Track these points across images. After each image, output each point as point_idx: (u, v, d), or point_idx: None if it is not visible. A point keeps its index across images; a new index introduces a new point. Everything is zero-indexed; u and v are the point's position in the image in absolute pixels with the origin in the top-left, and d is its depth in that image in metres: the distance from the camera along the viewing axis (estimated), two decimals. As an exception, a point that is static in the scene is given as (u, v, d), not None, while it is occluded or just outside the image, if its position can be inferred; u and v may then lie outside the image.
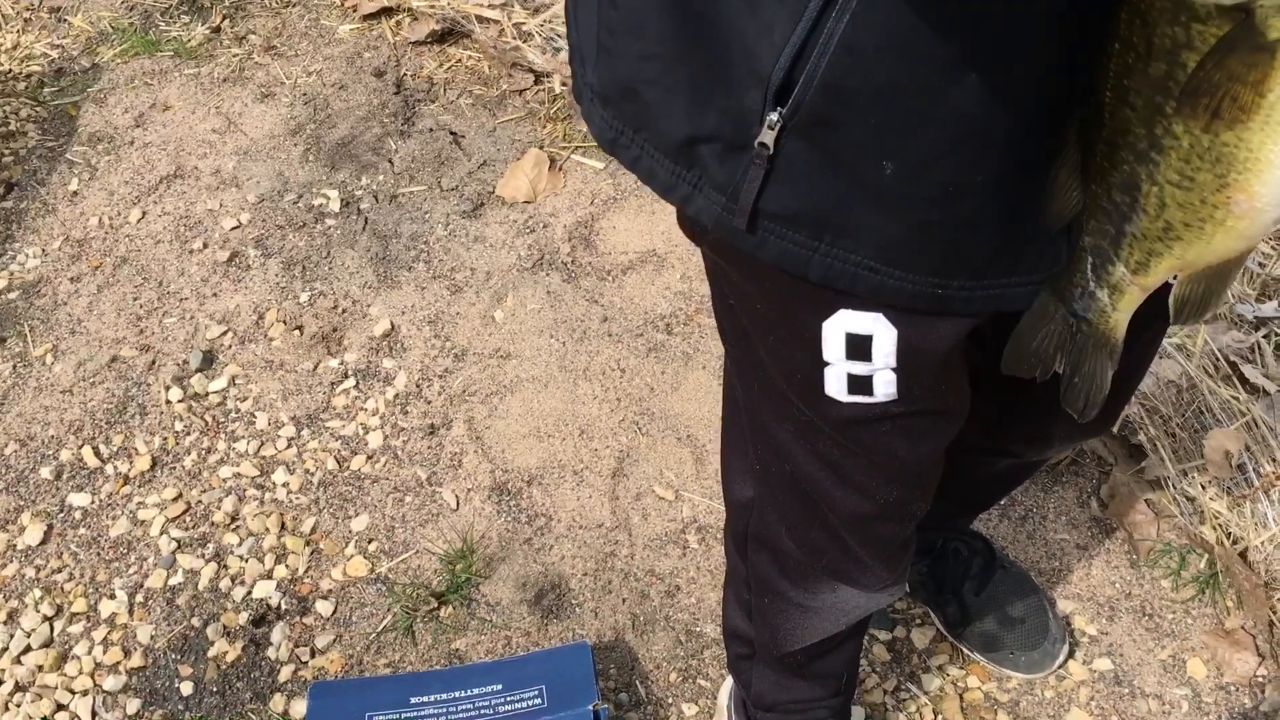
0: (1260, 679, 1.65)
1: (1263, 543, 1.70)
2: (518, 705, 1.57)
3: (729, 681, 1.60)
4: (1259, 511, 1.72)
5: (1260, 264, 2.05)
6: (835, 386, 0.92)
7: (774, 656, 1.33)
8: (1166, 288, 0.75)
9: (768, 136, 0.77)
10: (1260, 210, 0.64)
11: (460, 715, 1.57)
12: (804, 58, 0.72)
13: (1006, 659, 1.66)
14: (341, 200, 2.32)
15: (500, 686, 1.60)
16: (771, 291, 0.89)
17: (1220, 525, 1.74)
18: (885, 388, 0.90)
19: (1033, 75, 0.71)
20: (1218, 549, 1.72)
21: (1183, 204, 0.67)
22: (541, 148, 2.38)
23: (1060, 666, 1.67)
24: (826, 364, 0.90)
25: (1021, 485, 1.78)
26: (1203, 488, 1.77)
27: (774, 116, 0.75)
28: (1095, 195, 0.73)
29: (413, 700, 1.59)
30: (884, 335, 0.86)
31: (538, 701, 1.57)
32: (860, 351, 0.87)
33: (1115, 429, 1.85)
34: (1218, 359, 1.87)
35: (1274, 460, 1.75)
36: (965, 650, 1.69)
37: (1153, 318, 0.83)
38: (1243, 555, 1.71)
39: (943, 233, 0.77)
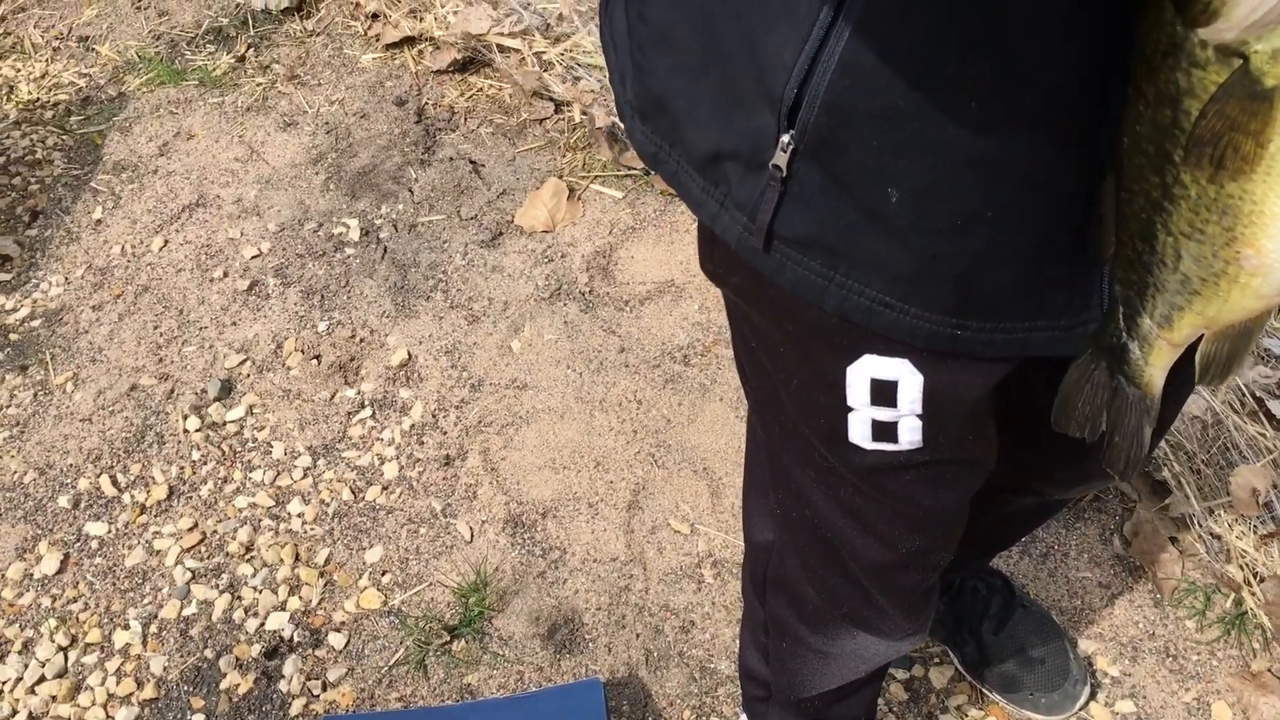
0: (1288, 724, 1.61)
1: (1290, 583, 1.66)
2: (528, 743, 1.56)
3: (743, 718, 1.58)
4: (1286, 551, 1.68)
5: (1288, 296, 2.01)
6: (859, 433, 0.90)
7: (790, 701, 1.31)
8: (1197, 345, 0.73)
9: (780, 159, 0.76)
10: (1271, 267, 0.62)
11: (470, 752, 1.55)
12: (810, 79, 0.71)
13: (1026, 700, 1.63)
14: (361, 229, 2.32)
15: (511, 723, 1.58)
16: (794, 333, 0.88)
17: (1247, 564, 1.70)
18: (910, 435, 0.88)
19: (1042, 104, 0.68)
20: (1245, 588, 1.69)
21: (1196, 257, 0.65)
22: (561, 177, 2.38)
23: (1082, 708, 1.64)
24: (850, 409, 0.88)
25: (1043, 524, 1.76)
26: (1229, 525, 1.73)
27: (786, 139, 0.74)
28: (1122, 243, 0.71)
29: (423, 736, 1.57)
30: (910, 381, 0.84)
31: (548, 739, 1.55)
32: (885, 397, 0.85)
33: (1139, 465, 1.82)
34: (1244, 394, 1.84)
35: (1302, 498, 1.71)
36: (984, 690, 1.66)
37: (1177, 373, 0.80)
38: (1266, 594, 1.67)
39: (955, 268, 0.75)
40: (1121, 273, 0.72)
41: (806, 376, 0.90)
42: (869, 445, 0.90)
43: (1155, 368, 0.75)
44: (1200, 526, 1.75)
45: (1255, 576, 1.69)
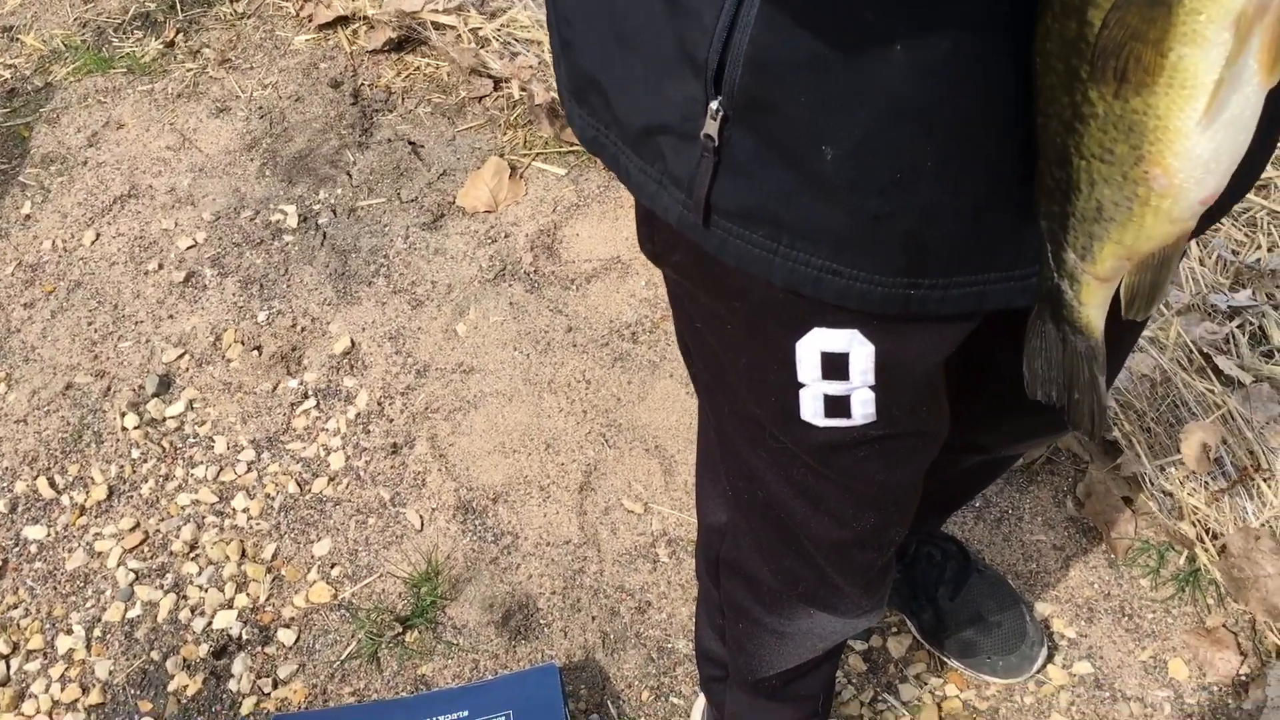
0: (1243, 677, 1.62)
1: (1242, 538, 1.67)
2: (484, 732, 1.53)
3: (702, 699, 1.56)
4: (1238, 505, 1.69)
5: (1234, 251, 2.02)
6: (811, 410, 0.87)
7: (748, 681, 1.29)
8: None
9: (711, 127, 0.72)
10: (1180, 188, 0.60)
11: (425, 744, 1.53)
12: (732, 38, 0.68)
13: (984, 664, 1.63)
14: (299, 215, 2.27)
15: (467, 713, 1.56)
16: (741, 310, 0.85)
17: (1199, 521, 1.70)
18: (864, 409, 0.86)
19: (966, 45, 0.65)
20: (1198, 545, 1.69)
21: (1108, 180, 0.63)
22: (502, 155, 2.34)
23: (1039, 671, 1.63)
24: (801, 385, 0.85)
25: (993, 484, 1.75)
26: (1180, 483, 1.73)
27: (714, 105, 0.71)
28: (1041, 171, 0.68)
29: (377, 730, 1.55)
30: (860, 351, 0.81)
31: (505, 727, 1.53)
32: (837, 370, 0.83)
33: (1089, 426, 1.82)
34: (1191, 351, 1.84)
35: (1251, 453, 1.71)
36: (942, 657, 1.66)
37: (1115, 319, 0.78)
38: (1222, 551, 1.67)
39: (899, 225, 0.72)
40: (1044, 204, 0.69)
41: (755, 354, 0.88)
42: (821, 422, 0.88)
43: (1090, 307, 0.72)
44: (1152, 485, 1.75)
45: (1208, 533, 1.69)
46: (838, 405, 0.85)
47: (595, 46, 0.81)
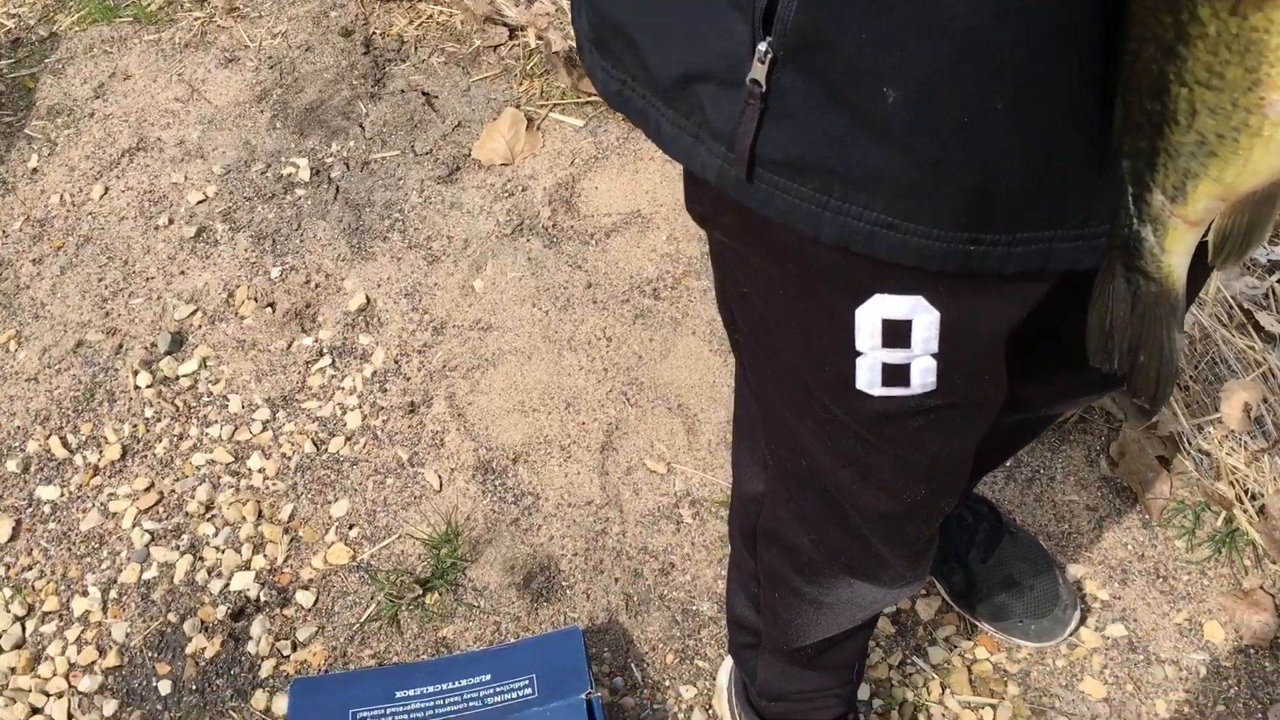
0: (1281, 641, 1.58)
1: (1281, 499, 1.63)
2: (507, 696, 1.51)
3: (728, 661, 1.54)
4: (1277, 465, 1.64)
5: (1272, 204, 1.95)
6: (867, 379, 0.82)
7: (783, 650, 1.26)
8: None
9: (759, 71, 0.67)
10: None
11: (448, 708, 1.50)
12: None
13: (1015, 628, 1.60)
14: (311, 169, 2.22)
15: (489, 677, 1.53)
16: (796, 275, 0.80)
17: (1238, 481, 1.66)
18: (923, 378, 0.81)
19: None
20: (1236, 506, 1.65)
21: (1214, 109, 0.57)
22: (518, 106, 2.28)
23: (1072, 634, 1.60)
24: (859, 354, 0.80)
25: (1029, 445, 1.71)
26: (1219, 442, 1.69)
27: (763, 47, 0.66)
28: (1129, 105, 0.62)
29: (398, 694, 1.52)
30: (925, 319, 0.76)
31: (528, 691, 1.51)
32: (898, 338, 0.78)
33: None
34: (1231, 307, 1.78)
35: (1292, 412, 1.67)
36: (973, 620, 1.62)
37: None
38: (1261, 511, 1.63)
39: (963, 175, 0.67)
40: (1129, 141, 0.63)
41: (809, 321, 0.83)
42: (877, 391, 0.83)
43: (1174, 255, 0.65)
44: (1189, 444, 1.71)
45: (1246, 493, 1.65)
46: (896, 374, 0.81)
47: None
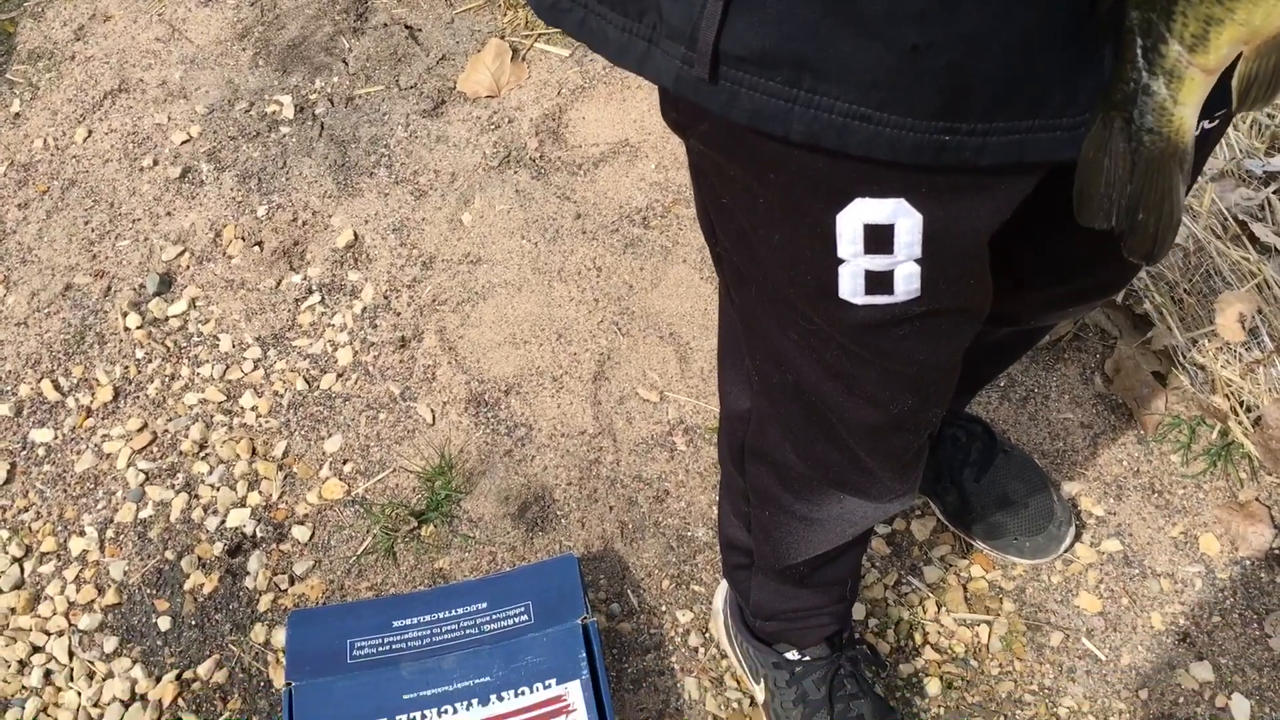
0: (1276, 551, 1.58)
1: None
2: (504, 623, 1.52)
3: (724, 585, 1.54)
4: (1272, 377, 1.63)
5: (1270, 115, 1.93)
6: (850, 287, 0.81)
7: (775, 568, 1.26)
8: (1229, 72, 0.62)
9: None
10: None
11: (444, 636, 1.51)
12: None
13: (1010, 545, 1.60)
14: (295, 106, 2.19)
15: (485, 605, 1.54)
16: (776, 182, 0.78)
17: (1233, 394, 1.65)
18: (907, 284, 0.79)
19: None
20: (1231, 418, 1.64)
21: None
22: (503, 37, 2.25)
23: (1066, 550, 1.60)
24: (841, 261, 0.79)
25: (1020, 358, 1.70)
26: (1213, 355, 1.68)
27: None
28: None
29: (395, 624, 1.53)
30: (907, 222, 0.75)
31: (524, 618, 1.51)
32: (880, 243, 0.76)
33: (1119, 299, 1.76)
34: (1226, 218, 1.76)
35: (1287, 323, 1.65)
36: (968, 539, 1.62)
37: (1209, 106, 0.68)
38: (1257, 423, 1.63)
39: (939, 59, 0.64)
40: None
41: (789, 230, 0.81)
42: (860, 300, 0.81)
43: (1186, 106, 0.63)
44: (1184, 358, 1.69)
45: (1242, 405, 1.64)
46: (879, 281, 0.79)
47: None
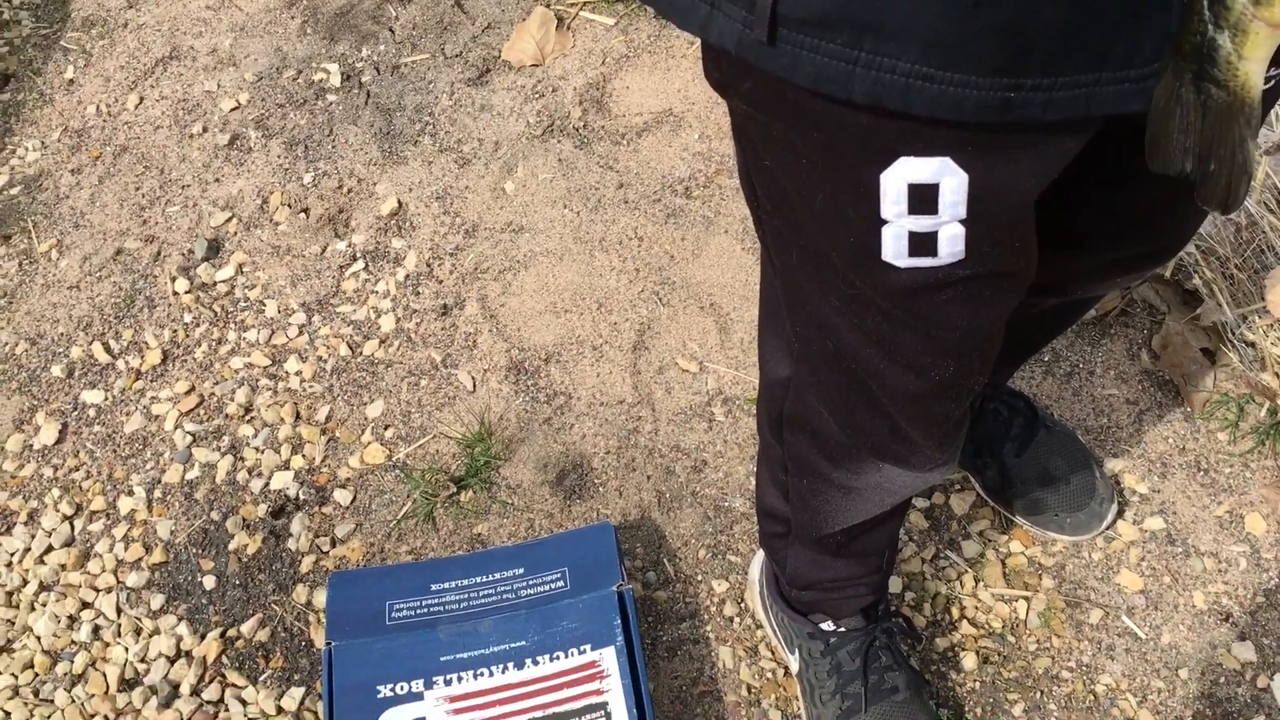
0: (1324, 533, 1.56)
1: (1328, 389, 1.58)
2: (540, 589, 1.53)
3: (760, 555, 1.54)
4: (1325, 356, 1.60)
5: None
6: (893, 249, 0.80)
7: (812, 537, 1.25)
8: None
9: None
10: None
11: (481, 600, 1.53)
12: None
13: (1051, 521, 1.58)
14: (342, 74, 2.21)
15: (522, 570, 1.55)
16: (820, 141, 0.77)
17: (1282, 372, 1.62)
18: (951, 246, 0.78)
19: None
20: None
21: None
22: (548, 5, 2.24)
23: (1108, 527, 1.59)
24: (884, 222, 0.78)
25: (1065, 333, 1.68)
26: (1264, 332, 1.65)
27: None
28: None
29: (433, 587, 1.55)
30: (952, 181, 0.74)
31: (560, 584, 1.53)
32: (925, 204, 0.75)
33: (1168, 273, 1.73)
34: (1279, 193, 1.73)
35: (1342, 300, 1.62)
36: (1008, 515, 1.61)
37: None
38: (1306, 403, 1.60)
39: (1001, 13, 0.64)
40: None
41: (833, 190, 0.80)
42: (904, 262, 0.80)
43: (1252, 61, 0.62)
44: (1233, 335, 1.66)
45: (1291, 384, 1.61)
46: (923, 243, 0.78)
47: None
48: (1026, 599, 1.55)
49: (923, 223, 0.77)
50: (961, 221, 0.77)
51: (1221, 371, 1.67)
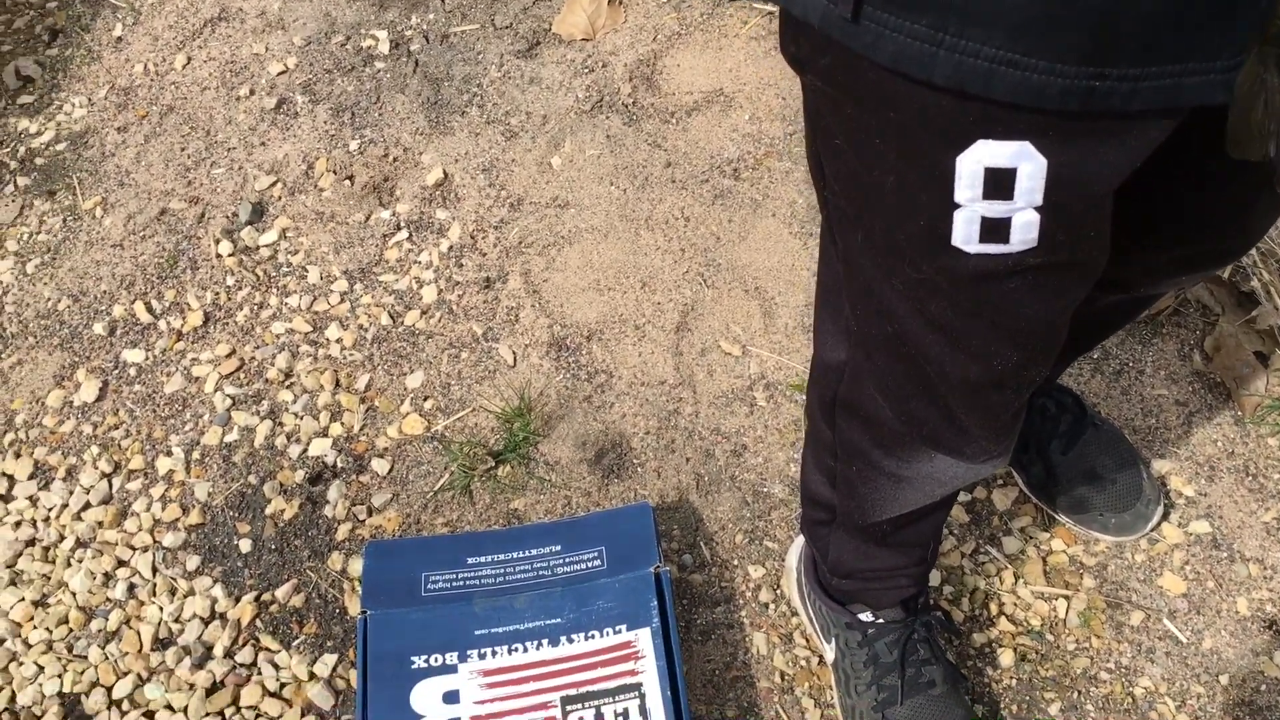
0: (1374, 544, 1.53)
1: (1385, 399, 1.56)
2: (576, 567, 1.52)
3: (798, 542, 1.53)
4: (1383, 365, 1.57)
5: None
6: (964, 234, 0.78)
7: (858, 525, 1.24)
8: None
9: None
10: None
11: (517, 576, 1.52)
12: None
13: (1095, 520, 1.56)
14: (391, 41, 2.19)
15: (559, 547, 1.55)
16: (896, 122, 0.76)
17: (1338, 380, 1.59)
18: (1024, 233, 0.77)
19: None
20: (1334, 405, 1.58)
21: None
22: (601, -21, 2.22)
23: (1153, 529, 1.56)
24: (957, 206, 0.76)
25: (1121, 329, 1.65)
26: (1320, 339, 1.62)
27: None
28: None
29: (469, 560, 1.54)
30: (1030, 167, 0.72)
31: (597, 563, 1.52)
32: (1000, 189, 0.74)
33: (1225, 274, 1.70)
34: (1344, 197, 1.69)
35: (1403, 309, 1.59)
36: (1051, 512, 1.59)
37: None
38: (1362, 412, 1.57)
39: (1091, 2, 0.62)
40: None
41: (906, 172, 0.78)
42: (974, 248, 0.79)
43: None
44: (1289, 340, 1.64)
45: (1347, 392, 1.59)
46: (995, 229, 0.76)
47: None
48: (1067, 598, 1.54)
49: (997, 208, 0.75)
50: (1036, 209, 0.75)
51: (1275, 376, 1.64)
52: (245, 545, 1.65)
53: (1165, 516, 1.58)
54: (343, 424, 1.76)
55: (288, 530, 1.67)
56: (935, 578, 1.55)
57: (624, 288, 1.85)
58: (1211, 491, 1.60)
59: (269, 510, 1.68)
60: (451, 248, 1.92)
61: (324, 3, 2.27)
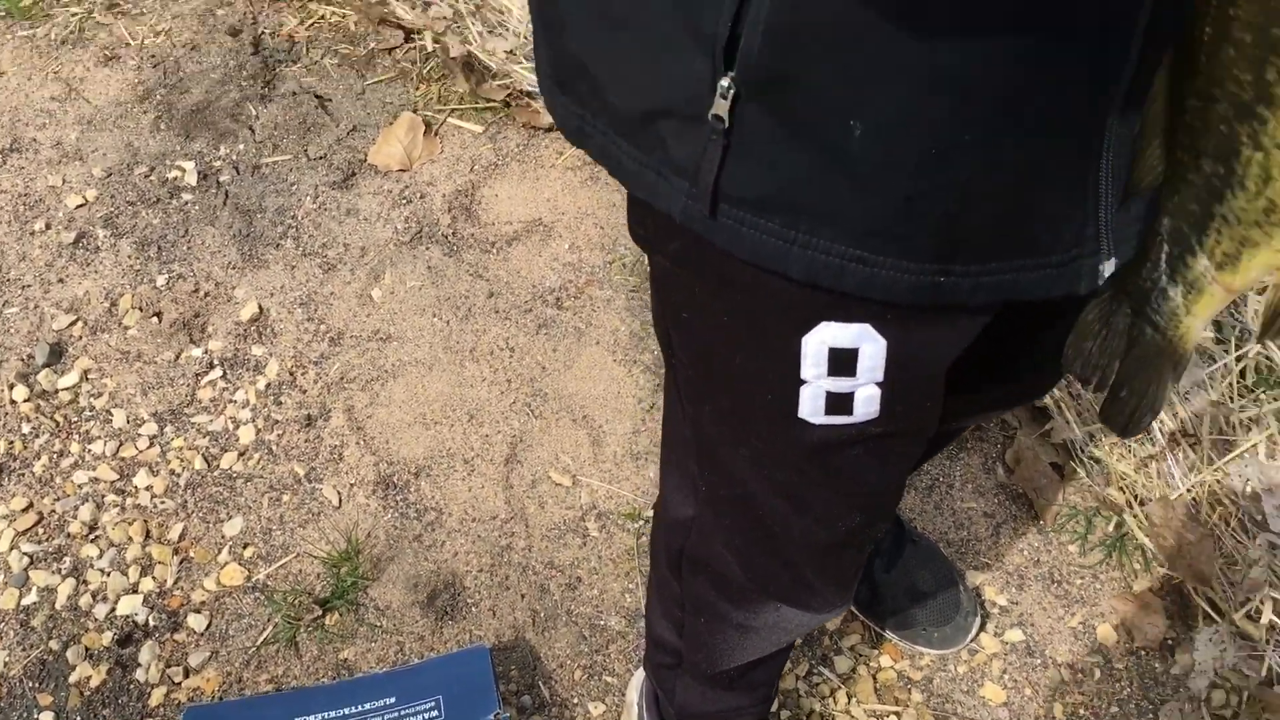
0: (1170, 642, 1.64)
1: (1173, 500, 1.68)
2: (414, 719, 1.47)
3: (638, 675, 1.53)
4: (1165, 471, 1.70)
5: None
6: (810, 408, 0.81)
7: (706, 673, 1.25)
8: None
9: (721, 107, 0.66)
10: None
11: (351, 734, 1.46)
12: (748, 4, 0.61)
13: (919, 636, 1.62)
14: (199, 172, 2.14)
15: (393, 700, 1.50)
16: (743, 304, 0.78)
17: (1128, 487, 1.72)
18: (866, 406, 0.80)
19: (1013, 17, 0.59)
20: (1126, 511, 1.70)
21: None
22: (415, 111, 2.24)
23: (972, 640, 1.63)
24: (803, 382, 0.79)
25: (933, 458, 1.74)
26: (1109, 449, 1.74)
27: (725, 82, 0.64)
28: (1181, 164, 0.59)
29: (298, 720, 1.47)
30: (871, 348, 0.76)
31: (434, 714, 1.47)
32: (844, 367, 0.77)
33: (1020, 393, 1.81)
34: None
35: (1177, 419, 1.73)
36: (878, 629, 1.64)
37: None
38: (1149, 517, 1.69)
39: (933, 206, 0.66)
40: (1176, 201, 0.60)
41: (753, 350, 0.81)
42: (819, 420, 0.82)
43: (1197, 318, 0.63)
44: (1081, 451, 1.76)
45: (1136, 499, 1.71)
46: (839, 402, 0.80)
47: (582, 26, 0.73)
48: (897, 714, 1.58)
49: (841, 384, 0.79)
50: (878, 384, 0.79)
51: (1071, 486, 1.75)
52: (47, 718, 1.53)
53: (983, 627, 1.65)
54: (154, 578, 1.66)
55: (95, 699, 1.56)
56: (773, 704, 1.57)
57: (451, 421, 1.84)
58: (1022, 599, 1.69)
59: (73, 678, 1.57)
60: (269, 385, 1.87)
61: (125, 133, 2.20)
